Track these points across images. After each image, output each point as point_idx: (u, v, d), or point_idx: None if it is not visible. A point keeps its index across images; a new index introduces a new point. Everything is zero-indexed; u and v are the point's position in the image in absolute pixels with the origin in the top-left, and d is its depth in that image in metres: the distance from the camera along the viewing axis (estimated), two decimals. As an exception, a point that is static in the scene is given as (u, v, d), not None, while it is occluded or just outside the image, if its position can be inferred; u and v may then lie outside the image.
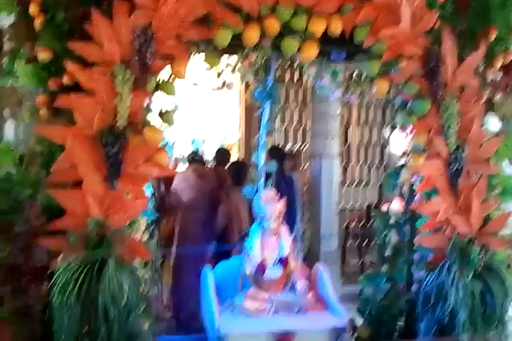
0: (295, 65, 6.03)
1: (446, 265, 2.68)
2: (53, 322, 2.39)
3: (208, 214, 4.97)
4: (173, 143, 11.15)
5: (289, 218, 5.10)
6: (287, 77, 6.44)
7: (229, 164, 5.44)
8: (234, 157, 6.92)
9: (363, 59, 2.76)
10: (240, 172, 4.96)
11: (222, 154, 5.67)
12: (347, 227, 6.57)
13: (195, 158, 5.21)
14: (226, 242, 4.86)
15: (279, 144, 6.23)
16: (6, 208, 2.61)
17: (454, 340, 2.70)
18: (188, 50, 2.51)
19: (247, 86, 6.34)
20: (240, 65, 2.74)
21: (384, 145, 6.24)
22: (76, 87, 2.47)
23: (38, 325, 2.64)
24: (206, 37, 2.50)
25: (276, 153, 5.20)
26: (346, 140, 6.78)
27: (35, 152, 2.73)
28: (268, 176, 3.38)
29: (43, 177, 2.60)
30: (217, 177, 5.29)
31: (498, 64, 2.93)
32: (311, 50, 2.64)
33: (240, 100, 7.19)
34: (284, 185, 5.19)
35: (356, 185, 6.63)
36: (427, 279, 2.74)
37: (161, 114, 2.57)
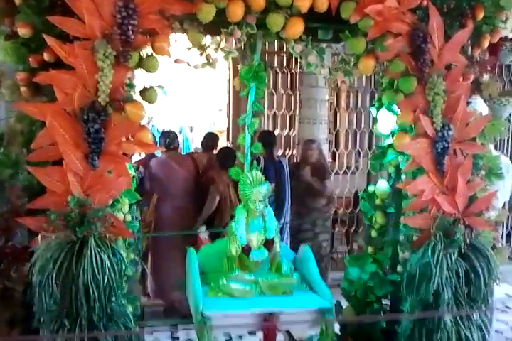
0: (283, 51, 6.09)
1: (431, 245, 2.66)
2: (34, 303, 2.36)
3: (185, 201, 4.97)
4: (162, 131, 11.14)
5: (278, 203, 5.13)
6: (275, 62, 6.39)
7: (218, 149, 5.42)
8: (223, 143, 6.90)
9: (349, 37, 2.71)
10: (228, 157, 4.93)
11: (211, 139, 5.63)
12: (335, 214, 6.56)
13: (168, 142, 5.14)
14: (219, 223, 4.86)
15: (269, 130, 6.19)
16: (-14, 188, 2.57)
17: (438, 321, 2.69)
18: (170, 25, 2.47)
19: (235, 73, 6.33)
20: (224, 43, 2.69)
21: (372, 131, 6.21)
22: (57, 64, 2.41)
23: (19, 307, 2.61)
24: (189, 11, 2.45)
25: (266, 137, 5.18)
26: (335, 126, 6.75)
27: (15, 131, 2.68)
28: (257, 159, 3.35)
29: (23, 157, 2.55)
30: (207, 161, 5.28)
31: (486, 43, 2.91)
32: (297, 26, 2.60)
33: (228, 88, 7.16)
34: (273, 171, 5.17)
35: (345, 172, 6.60)
36: (412, 259, 2.73)
37: (142, 92, 2.52)
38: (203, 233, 4.83)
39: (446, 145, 2.71)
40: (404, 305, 2.80)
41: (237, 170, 3.23)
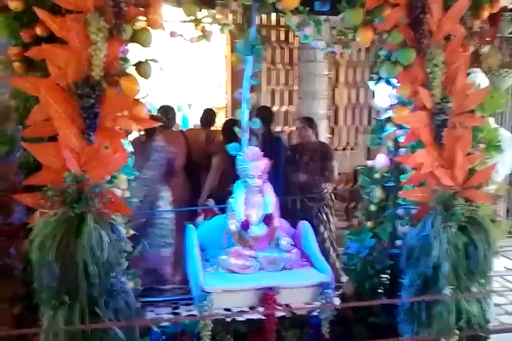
0: (280, 25, 6.01)
1: (430, 218, 2.65)
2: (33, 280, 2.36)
3: (177, 178, 4.99)
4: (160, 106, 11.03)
5: (276, 179, 5.11)
6: (273, 36, 6.32)
7: (224, 122, 5.40)
8: (222, 120, 6.85)
9: (346, 8, 2.66)
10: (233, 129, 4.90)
11: (209, 115, 5.60)
12: (334, 190, 6.56)
13: (164, 120, 5.10)
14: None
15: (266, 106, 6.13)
16: (-18, 165, 2.56)
17: (437, 294, 2.69)
18: (164, -4, 2.42)
19: (233, 48, 6.26)
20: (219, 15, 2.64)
21: (372, 107, 6.15)
22: (50, 38, 2.38)
23: (19, 284, 2.62)
24: (183, -17, 2.40)
25: (264, 113, 5.13)
26: (334, 101, 6.71)
27: (10, 107, 2.66)
28: (254, 134, 3.32)
29: (19, 133, 2.52)
30: (207, 138, 5.26)
31: (485, 14, 2.85)
32: (293, -3, 2.55)
33: (226, 65, 7.09)
34: (270, 146, 5.13)
35: (344, 148, 6.58)
36: (411, 233, 2.72)
37: (136, 66, 2.48)
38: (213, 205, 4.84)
39: (445, 118, 2.67)
40: (404, 279, 2.81)
41: (235, 145, 3.21)
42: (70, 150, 2.33)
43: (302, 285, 2.94)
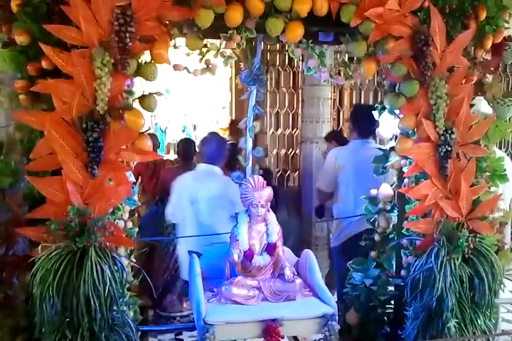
0: (285, 49, 6.05)
1: (435, 250, 2.63)
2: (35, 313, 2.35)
3: None
4: (165, 129, 11.08)
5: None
6: (277, 61, 6.36)
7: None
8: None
9: (350, 40, 2.68)
10: (232, 154, 4.90)
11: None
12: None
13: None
14: None
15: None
16: (-14, 197, 2.56)
17: (442, 326, 2.66)
18: (169, 31, 2.44)
19: (236, 71, 6.30)
20: (223, 48, 2.66)
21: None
22: (56, 72, 2.39)
23: (21, 316, 2.60)
24: (187, 17, 2.41)
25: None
26: (338, 124, 6.71)
27: (14, 139, 2.67)
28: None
29: (23, 166, 2.53)
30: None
31: (488, 44, 2.86)
32: (297, 31, 2.56)
33: (230, 86, 7.14)
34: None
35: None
36: (415, 264, 2.70)
37: (140, 100, 2.49)
38: None
39: (450, 149, 2.67)
40: (408, 311, 2.78)
41: (238, 174, 3.21)
42: (73, 183, 2.34)
43: (306, 317, 2.91)
